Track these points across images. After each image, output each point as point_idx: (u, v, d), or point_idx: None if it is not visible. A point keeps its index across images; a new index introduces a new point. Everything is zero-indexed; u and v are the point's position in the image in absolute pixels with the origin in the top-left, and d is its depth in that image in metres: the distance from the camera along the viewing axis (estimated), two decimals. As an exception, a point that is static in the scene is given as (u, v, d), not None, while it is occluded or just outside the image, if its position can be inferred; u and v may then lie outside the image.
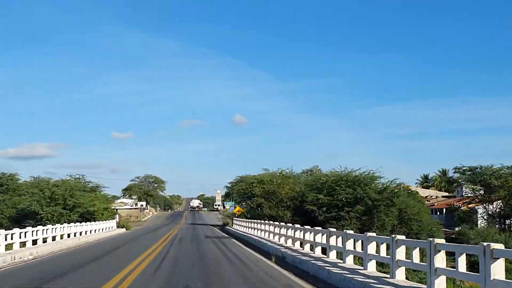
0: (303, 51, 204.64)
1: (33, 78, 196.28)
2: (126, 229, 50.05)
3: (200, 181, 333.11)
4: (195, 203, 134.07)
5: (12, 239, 20.59)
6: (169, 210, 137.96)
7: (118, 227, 49.23)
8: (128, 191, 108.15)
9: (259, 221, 32.96)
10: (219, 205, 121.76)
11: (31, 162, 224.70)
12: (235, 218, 52.70)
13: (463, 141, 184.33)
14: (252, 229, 33.87)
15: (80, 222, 34.79)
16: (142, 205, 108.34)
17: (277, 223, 27.12)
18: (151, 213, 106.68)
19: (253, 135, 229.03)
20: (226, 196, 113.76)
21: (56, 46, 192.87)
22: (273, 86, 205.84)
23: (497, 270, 7.06)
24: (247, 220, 40.34)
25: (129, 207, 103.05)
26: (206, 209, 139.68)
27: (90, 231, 35.72)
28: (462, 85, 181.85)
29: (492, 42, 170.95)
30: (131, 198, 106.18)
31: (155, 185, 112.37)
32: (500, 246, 7.19)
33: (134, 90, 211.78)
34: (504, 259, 7.15)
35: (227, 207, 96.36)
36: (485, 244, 7.29)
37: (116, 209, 69.06)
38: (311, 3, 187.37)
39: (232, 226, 51.00)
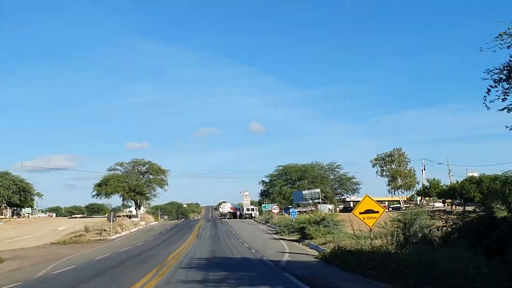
0: (320, 58, 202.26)
1: (51, 91, 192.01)
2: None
3: (218, 189, 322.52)
4: (226, 208, 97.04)
5: None
6: (182, 219, 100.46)
7: None
8: (103, 188, 64.29)
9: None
10: (252, 210, 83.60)
11: (49, 175, 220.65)
12: None
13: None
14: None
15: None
16: (130, 211, 68.86)
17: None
18: (143, 223, 65.71)
19: (271, 144, 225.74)
20: (265, 196, 75.63)
21: (75, 60, 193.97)
22: (291, 94, 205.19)
23: None
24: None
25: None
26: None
27: None
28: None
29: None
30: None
31: (150, 176, 68.32)
32: None
33: (151, 100, 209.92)
34: None
35: (273, 209, 57.22)
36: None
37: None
38: (329, 10, 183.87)
39: None
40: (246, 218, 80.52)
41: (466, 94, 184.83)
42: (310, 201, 73.06)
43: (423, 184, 74.22)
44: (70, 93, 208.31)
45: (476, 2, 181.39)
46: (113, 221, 44.78)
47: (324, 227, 30.82)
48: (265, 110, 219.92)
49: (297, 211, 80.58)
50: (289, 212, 76.15)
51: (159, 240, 36.26)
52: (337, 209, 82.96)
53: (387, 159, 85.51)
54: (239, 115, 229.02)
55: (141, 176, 66.97)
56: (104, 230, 45.34)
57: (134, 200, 65.92)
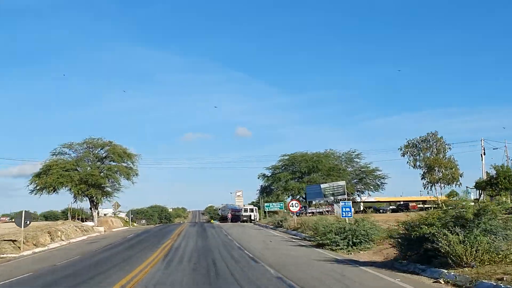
0: (307, 63, 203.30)
1: (35, 97, 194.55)
2: None
3: (205, 194, 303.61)
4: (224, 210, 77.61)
5: None
6: (159, 224, 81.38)
7: None
8: (42, 179, 43.40)
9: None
10: (251, 211, 66.30)
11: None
12: None
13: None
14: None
15: None
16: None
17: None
18: (101, 228, 45.76)
19: (258, 148, 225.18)
20: (266, 193, 69.39)
21: (61, 65, 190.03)
22: (278, 99, 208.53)
23: None
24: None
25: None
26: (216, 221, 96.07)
27: None
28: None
29: None
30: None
31: (111, 163, 48.29)
32: None
33: (138, 105, 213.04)
34: None
35: (290, 207, 38.02)
36: None
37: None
38: (317, 15, 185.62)
39: None
40: (244, 221, 61.54)
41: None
42: (331, 198, 54.38)
43: (487, 173, 55.63)
44: (54, 98, 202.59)
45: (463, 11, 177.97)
46: (24, 226, 25.78)
47: (483, 235, 11.87)
48: (252, 115, 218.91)
49: (309, 212, 62.20)
50: (305, 212, 57.83)
51: (77, 266, 17.18)
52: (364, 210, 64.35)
53: (421, 145, 66.70)
54: (226, 120, 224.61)
55: (99, 162, 47.98)
56: (14, 241, 26.53)
57: (88, 196, 46.70)
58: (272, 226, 44.02)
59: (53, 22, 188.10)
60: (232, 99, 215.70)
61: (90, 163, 46.89)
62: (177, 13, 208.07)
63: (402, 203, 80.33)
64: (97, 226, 45.72)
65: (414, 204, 77.18)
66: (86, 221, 49.22)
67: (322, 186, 55.68)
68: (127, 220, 66.79)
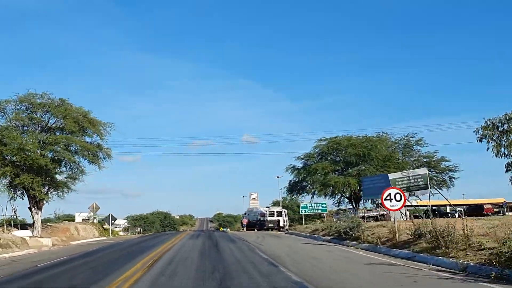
0: (314, 70, 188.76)
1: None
2: None
3: (214, 201, 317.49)
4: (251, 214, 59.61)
5: None
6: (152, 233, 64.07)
7: None
8: None
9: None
10: (279, 214, 48.57)
11: None
12: None
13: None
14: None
15: None
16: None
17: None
18: (47, 241, 26.91)
19: (264, 155, 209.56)
20: (297, 191, 49.77)
21: (70, 71, 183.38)
22: (285, 106, 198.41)
23: None
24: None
25: None
26: (227, 229, 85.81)
27: None
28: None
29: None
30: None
31: (63, 133, 28.55)
32: None
33: (145, 111, 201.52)
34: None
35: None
36: None
37: None
38: (323, 22, 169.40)
39: None
40: (270, 228, 43.27)
41: None
42: (407, 194, 35.87)
43: None
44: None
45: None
46: None
47: None
48: (259, 121, 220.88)
49: (360, 216, 43.14)
50: (338, 218, 40.33)
51: None
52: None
53: (508, 125, 47.34)
54: (232, 127, 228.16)
55: (44, 133, 29.09)
56: None
57: (26, 190, 28.21)
58: (329, 238, 25.75)
59: (61, 27, 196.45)
60: (239, 105, 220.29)
61: (26, 133, 28.44)
62: (185, 21, 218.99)
63: (472, 205, 61.66)
64: (40, 237, 27.56)
65: (489, 206, 58.50)
66: (27, 228, 30.85)
67: (391, 176, 37.03)
68: (109, 227, 48.62)
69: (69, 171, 31.23)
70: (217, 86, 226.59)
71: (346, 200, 52.92)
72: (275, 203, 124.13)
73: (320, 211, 41.64)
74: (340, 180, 47.34)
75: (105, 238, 41.19)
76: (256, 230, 48.63)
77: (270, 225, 43.88)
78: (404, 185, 36.43)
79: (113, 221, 46.05)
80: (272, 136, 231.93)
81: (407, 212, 53.06)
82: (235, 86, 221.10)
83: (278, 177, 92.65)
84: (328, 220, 35.00)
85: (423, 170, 37.44)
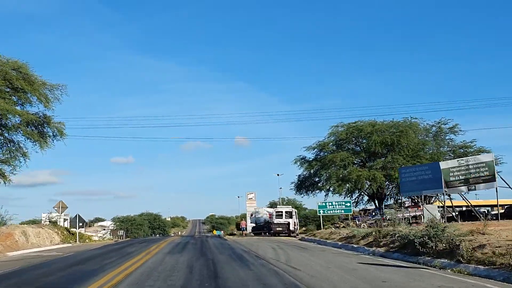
0: (308, 73, 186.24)
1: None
2: None
3: (205, 204, 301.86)
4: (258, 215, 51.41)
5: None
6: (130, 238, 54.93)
7: None
8: None
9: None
10: (289, 216, 37.85)
11: (34, 190, 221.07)
12: None
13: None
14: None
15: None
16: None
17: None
18: None
19: (257, 158, 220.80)
20: (308, 188, 41.32)
21: (64, 73, 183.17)
22: (278, 108, 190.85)
23: None
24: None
25: None
26: (221, 232, 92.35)
27: None
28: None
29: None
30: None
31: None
32: None
33: (138, 114, 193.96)
34: None
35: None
36: None
37: None
38: (319, 25, 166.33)
39: None
40: (278, 233, 34.19)
41: None
42: (461, 188, 27.23)
43: None
44: (57, 106, 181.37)
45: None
46: None
47: None
48: (251, 124, 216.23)
49: (387, 217, 33.54)
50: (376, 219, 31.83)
51: None
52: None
53: None
54: (225, 129, 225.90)
55: None
56: None
57: None
58: (382, 251, 16.75)
59: (57, 31, 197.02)
60: (232, 108, 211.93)
61: None
62: (179, 24, 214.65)
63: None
64: None
65: (531, 207, 49.76)
66: None
67: (444, 165, 28.16)
68: (82, 230, 39.24)
69: (6, 153, 21.86)
70: (211, 89, 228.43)
71: (365, 198, 44.02)
72: (272, 205, 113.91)
73: (342, 211, 32.63)
74: (363, 174, 38.31)
75: (69, 245, 31.81)
76: (263, 234, 39.81)
77: (278, 228, 34.70)
78: (461, 177, 27.56)
79: (81, 224, 36.61)
80: (267, 139, 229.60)
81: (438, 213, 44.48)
82: (229, 89, 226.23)
83: (278, 174, 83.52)
84: (343, 223, 26.12)
85: (488, 157, 28.63)
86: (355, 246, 20.43)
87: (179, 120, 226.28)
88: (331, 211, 32.62)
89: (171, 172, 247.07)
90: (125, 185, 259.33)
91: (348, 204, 32.81)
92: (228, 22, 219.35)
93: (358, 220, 34.29)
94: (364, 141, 40.10)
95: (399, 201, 47.80)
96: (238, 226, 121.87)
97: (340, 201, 34.07)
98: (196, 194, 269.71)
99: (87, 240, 40.12)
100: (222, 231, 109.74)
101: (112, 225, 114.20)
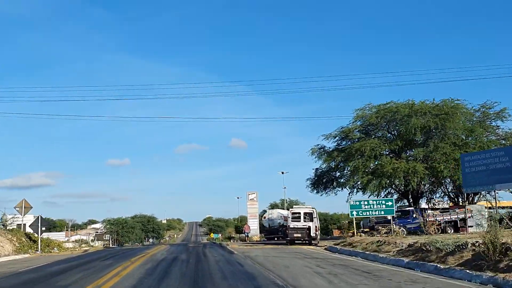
0: (304, 75, 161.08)
1: (31, 107, 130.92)
2: None
3: (202, 206, 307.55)
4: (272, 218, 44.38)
5: None
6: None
7: None
8: None
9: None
10: (309, 219, 27.73)
11: (29, 192, 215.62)
12: None
13: None
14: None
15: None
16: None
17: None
18: None
19: (253, 160, 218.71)
20: (325, 184, 35.85)
21: (55, 76, 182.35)
22: (273, 111, 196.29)
23: None
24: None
25: None
26: (219, 235, 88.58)
27: None
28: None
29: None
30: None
31: None
32: None
33: (131, 117, 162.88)
34: None
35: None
36: None
37: None
38: (313, 28, 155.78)
39: None
40: (296, 241, 26.37)
41: None
42: None
43: None
44: (50, 109, 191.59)
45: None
46: None
47: None
48: (248, 127, 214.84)
49: (429, 220, 25.08)
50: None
51: None
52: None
53: None
54: (221, 132, 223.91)
55: None
56: None
57: None
58: (487, 276, 8.83)
59: (50, 33, 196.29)
60: (227, 110, 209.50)
61: None
62: (174, 26, 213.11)
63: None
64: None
65: None
66: None
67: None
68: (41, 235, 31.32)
69: None
70: (207, 91, 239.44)
71: (395, 197, 36.10)
72: (273, 206, 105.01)
73: (382, 212, 24.79)
74: (401, 167, 30.39)
75: (25, 256, 23.91)
76: (275, 239, 32.47)
77: (296, 235, 26.70)
78: None
79: (43, 228, 28.58)
80: (260, 139, 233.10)
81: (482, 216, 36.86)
82: (225, 91, 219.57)
83: (283, 172, 75.49)
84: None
85: None
86: (441, 267, 12.58)
87: (175, 122, 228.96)
88: (368, 212, 24.79)
89: (167, 174, 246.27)
90: (121, 187, 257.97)
91: (390, 204, 24.97)
92: (222, 24, 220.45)
93: (396, 224, 26.55)
94: (400, 126, 32.17)
95: (432, 200, 40.21)
96: (237, 230, 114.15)
97: (378, 200, 26.21)
98: (192, 196, 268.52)
99: (55, 249, 32.07)
100: (219, 234, 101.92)
101: (102, 228, 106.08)
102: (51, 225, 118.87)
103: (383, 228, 23.51)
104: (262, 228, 53.32)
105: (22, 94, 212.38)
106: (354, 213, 25.03)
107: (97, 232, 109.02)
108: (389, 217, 25.29)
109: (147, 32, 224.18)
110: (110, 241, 69.35)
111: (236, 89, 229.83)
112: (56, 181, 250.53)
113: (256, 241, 48.63)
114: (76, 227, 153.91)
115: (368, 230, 29.83)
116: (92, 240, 72.64)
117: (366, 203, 25.26)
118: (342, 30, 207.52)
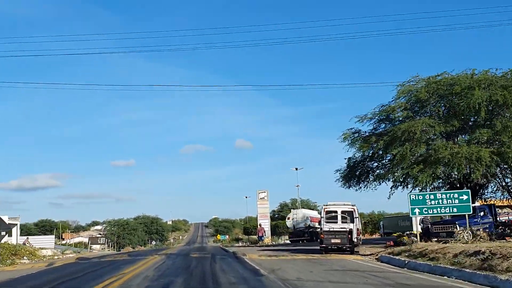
0: (309, 76, 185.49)
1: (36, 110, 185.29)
2: None
3: (207, 207, 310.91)
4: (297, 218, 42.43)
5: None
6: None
7: None
8: None
9: None
10: (349, 219, 20.80)
11: (35, 193, 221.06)
12: None
13: None
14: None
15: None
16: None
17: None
18: None
19: (258, 160, 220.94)
20: (358, 177, 25.84)
21: (62, 78, 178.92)
22: (279, 112, 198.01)
23: None
24: None
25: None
26: (226, 237, 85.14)
27: None
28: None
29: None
30: None
31: None
32: None
33: (138, 118, 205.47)
34: None
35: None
36: None
37: None
38: (318, 27, 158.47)
39: None
40: (329, 247, 19.66)
41: None
42: None
43: None
44: (55, 110, 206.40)
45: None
46: None
47: None
48: (253, 127, 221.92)
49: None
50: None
51: None
52: None
53: None
54: (226, 132, 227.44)
55: None
56: None
57: None
58: None
59: (54, 34, 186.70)
60: (232, 111, 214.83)
61: None
62: (178, 26, 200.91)
63: None
64: None
65: None
66: None
67: None
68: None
69: None
70: (213, 92, 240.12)
71: (443, 189, 29.18)
72: (283, 206, 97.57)
73: (455, 210, 18.04)
74: (462, 152, 23.51)
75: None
76: (300, 242, 27.57)
77: (334, 240, 20.02)
78: None
79: (4, 233, 21.99)
80: (265, 139, 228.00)
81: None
82: (229, 92, 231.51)
83: (296, 168, 68.81)
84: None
85: None
86: None
87: (178, 122, 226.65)
88: (435, 210, 18.03)
89: (172, 175, 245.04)
90: (126, 188, 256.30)
91: (465, 198, 18.14)
92: (227, 24, 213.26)
93: (461, 225, 19.83)
94: (459, 101, 25.23)
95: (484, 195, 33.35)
96: (245, 231, 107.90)
97: (449, 193, 19.34)
98: (198, 197, 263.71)
99: (25, 259, 25.44)
100: (227, 236, 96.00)
101: (103, 230, 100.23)
102: (52, 227, 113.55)
103: (460, 232, 16.75)
104: (285, 229, 49.46)
105: (28, 94, 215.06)
106: (417, 211, 18.25)
107: (99, 234, 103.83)
108: (465, 215, 18.44)
109: (153, 33, 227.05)
110: (106, 245, 63.02)
111: (241, 89, 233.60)
112: (61, 182, 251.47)
113: (270, 244, 42.24)
114: (79, 229, 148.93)
115: (420, 233, 23.17)
116: (87, 244, 66.46)
117: (432, 197, 18.44)
118: (347, 28, 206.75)
